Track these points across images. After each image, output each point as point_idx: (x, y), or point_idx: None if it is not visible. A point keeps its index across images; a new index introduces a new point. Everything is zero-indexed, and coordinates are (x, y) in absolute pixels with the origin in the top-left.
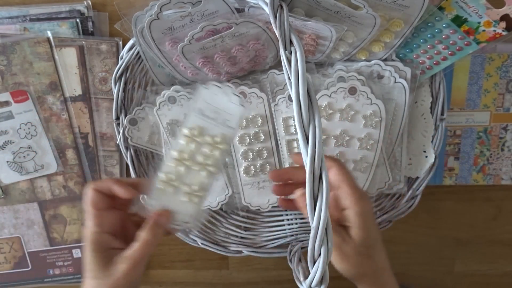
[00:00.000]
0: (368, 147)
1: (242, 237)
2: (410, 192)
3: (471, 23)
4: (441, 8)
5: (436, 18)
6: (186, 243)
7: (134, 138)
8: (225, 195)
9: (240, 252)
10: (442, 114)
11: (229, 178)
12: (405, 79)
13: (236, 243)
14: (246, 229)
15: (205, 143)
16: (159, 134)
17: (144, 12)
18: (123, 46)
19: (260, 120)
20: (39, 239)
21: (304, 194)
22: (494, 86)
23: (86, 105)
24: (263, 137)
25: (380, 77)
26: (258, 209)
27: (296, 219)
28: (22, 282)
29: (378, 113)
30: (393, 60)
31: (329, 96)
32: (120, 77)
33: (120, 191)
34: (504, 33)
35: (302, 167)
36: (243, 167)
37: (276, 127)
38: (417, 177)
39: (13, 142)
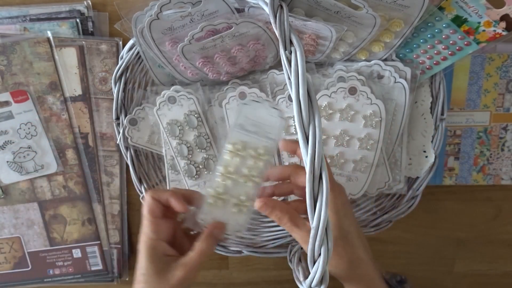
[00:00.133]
0: (368, 147)
1: (242, 237)
2: (410, 192)
3: (471, 23)
4: (441, 8)
5: (436, 18)
6: None
7: (134, 138)
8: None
9: (240, 252)
10: (442, 114)
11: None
12: (405, 79)
13: (236, 243)
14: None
15: (248, 156)
16: (159, 134)
17: (144, 12)
18: (123, 46)
19: None
20: (39, 239)
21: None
22: (494, 86)
23: (86, 105)
24: None
25: (380, 77)
26: None
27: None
28: (22, 282)
29: (378, 113)
30: (393, 60)
31: (329, 96)
32: (120, 77)
33: (176, 205)
34: (504, 33)
35: (302, 167)
36: None
37: None
38: (417, 177)
39: (13, 142)
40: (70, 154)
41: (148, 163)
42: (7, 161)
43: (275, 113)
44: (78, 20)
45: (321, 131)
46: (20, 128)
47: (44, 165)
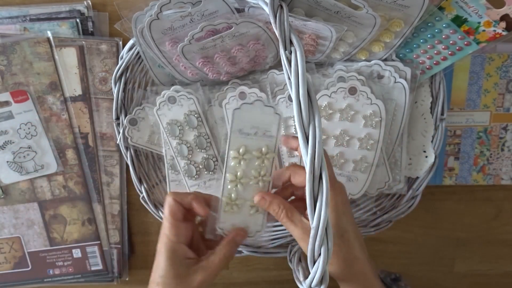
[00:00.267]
0: (368, 147)
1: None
2: (410, 192)
3: (471, 23)
4: (441, 8)
5: (436, 18)
6: None
7: (134, 138)
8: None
9: (240, 252)
10: (442, 114)
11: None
12: (405, 79)
13: None
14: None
15: (253, 158)
16: (159, 134)
17: (144, 12)
18: (123, 46)
19: None
20: (39, 239)
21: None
22: (494, 86)
23: (86, 105)
24: None
25: (380, 77)
26: None
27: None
28: (22, 282)
29: (378, 113)
30: (393, 60)
31: (329, 96)
32: (120, 77)
33: (199, 209)
34: (504, 33)
35: (302, 167)
36: None
37: None
38: (417, 177)
39: (13, 142)
40: (70, 154)
41: (148, 163)
42: (7, 161)
43: (269, 110)
44: (78, 20)
45: (321, 131)
46: (20, 128)
47: (44, 165)
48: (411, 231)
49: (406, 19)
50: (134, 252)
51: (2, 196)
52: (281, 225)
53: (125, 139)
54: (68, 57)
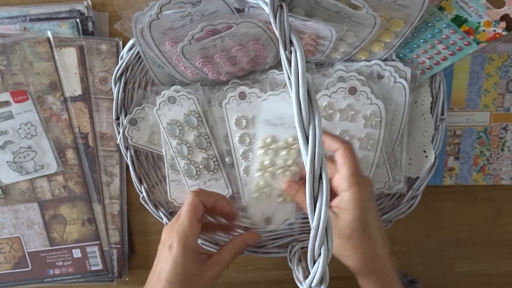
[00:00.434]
0: (368, 147)
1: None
2: (410, 192)
3: (471, 23)
4: (441, 8)
5: (436, 18)
6: None
7: (134, 138)
8: (225, 195)
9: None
10: (442, 114)
11: (229, 178)
12: (405, 79)
13: None
14: (246, 229)
15: (280, 148)
16: (159, 134)
17: (144, 12)
18: (123, 46)
19: None
20: (39, 239)
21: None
22: (494, 86)
23: (86, 105)
24: None
25: (380, 77)
26: None
27: (296, 219)
28: (22, 282)
29: (378, 113)
30: (393, 60)
31: (329, 96)
32: (120, 77)
33: (228, 209)
34: (504, 33)
35: (330, 160)
36: (243, 167)
37: None
38: (417, 177)
39: (13, 142)
40: (70, 154)
41: (148, 163)
42: (7, 161)
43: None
44: (78, 20)
45: (321, 131)
46: (20, 128)
47: (44, 165)
48: (411, 231)
49: (406, 19)
50: (134, 252)
51: (2, 196)
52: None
53: (125, 139)
54: (68, 57)
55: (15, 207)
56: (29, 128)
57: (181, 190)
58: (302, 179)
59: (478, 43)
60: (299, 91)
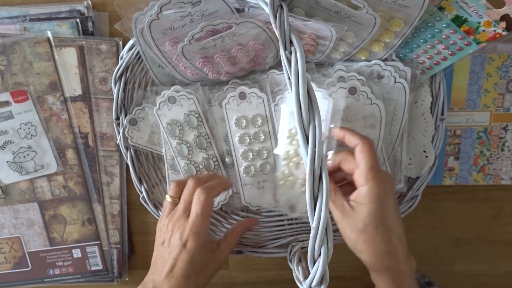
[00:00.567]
0: None
1: (242, 237)
2: (410, 192)
3: (471, 23)
4: (441, 8)
5: (436, 18)
6: None
7: (134, 138)
8: (225, 195)
9: (240, 252)
10: (442, 114)
11: (229, 178)
12: (405, 79)
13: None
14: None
15: None
16: (159, 134)
17: (144, 12)
18: (123, 46)
19: (260, 120)
20: (39, 239)
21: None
22: (494, 86)
23: (86, 105)
24: (263, 137)
25: (380, 77)
26: (258, 209)
27: (296, 219)
28: (22, 282)
29: (378, 113)
30: (393, 60)
31: (329, 96)
32: (120, 77)
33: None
34: (504, 33)
35: (352, 154)
36: (243, 167)
37: (276, 127)
38: (417, 177)
39: (13, 142)
40: (70, 154)
41: (148, 163)
42: (7, 161)
43: (320, 94)
44: (78, 20)
45: (321, 131)
46: (20, 128)
47: (44, 165)
48: (411, 231)
49: (406, 19)
50: (134, 252)
51: (2, 196)
52: (281, 225)
53: (125, 139)
54: (68, 57)
55: (15, 207)
56: (29, 128)
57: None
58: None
59: (478, 43)
60: (299, 91)
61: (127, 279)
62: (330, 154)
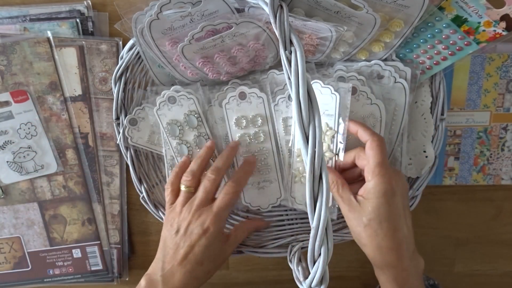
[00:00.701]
0: None
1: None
2: (410, 192)
3: (471, 23)
4: (441, 8)
5: (436, 18)
6: None
7: (134, 138)
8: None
9: (240, 252)
10: (442, 114)
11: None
12: (405, 79)
13: None
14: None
15: None
16: (159, 134)
17: (144, 12)
18: (123, 46)
19: (260, 120)
20: (39, 239)
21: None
22: (494, 86)
23: (86, 105)
24: (263, 137)
25: (380, 77)
26: (258, 209)
27: (296, 219)
28: (22, 282)
29: (378, 113)
30: (393, 60)
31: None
32: (120, 77)
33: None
34: (504, 33)
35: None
36: None
37: (276, 127)
38: (417, 177)
39: (13, 142)
40: (70, 154)
41: (148, 163)
42: (7, 161)
43: (327, 91)
44: (78, 20)
45: (321, 131)
46: (20, 128)
47: (44, 165)
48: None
49: (406, 19)
50: (134, 252)
51: (2, 196)
52: (281, 225)
53: (125, 139)
54: (68, 57)
55: (15, 207)
56: (29, 128)
57: None
58: (336, 167)
59: (478, 43)
60: (299, 91)
61: (127, 279)
62: (340, 149)
